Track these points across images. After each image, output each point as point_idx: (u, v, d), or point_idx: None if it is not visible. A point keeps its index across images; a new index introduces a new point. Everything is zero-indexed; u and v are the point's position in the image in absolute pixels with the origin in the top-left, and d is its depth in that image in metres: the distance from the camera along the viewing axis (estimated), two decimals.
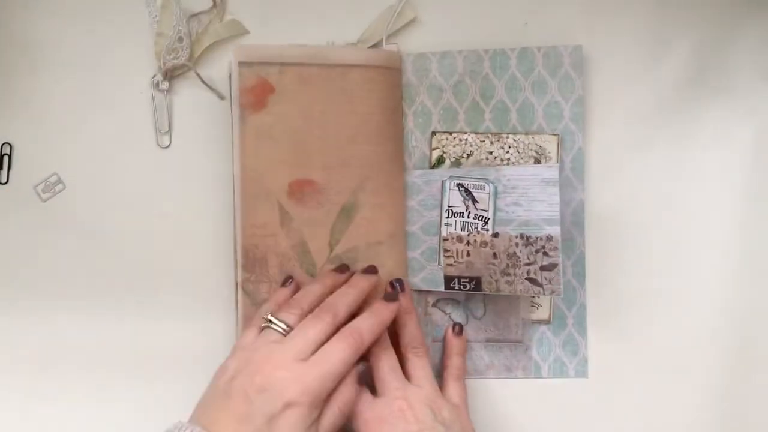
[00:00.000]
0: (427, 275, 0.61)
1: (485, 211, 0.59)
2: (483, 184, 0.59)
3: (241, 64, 0.60)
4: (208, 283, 0.63)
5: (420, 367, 0.57)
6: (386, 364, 0.55)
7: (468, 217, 0.59)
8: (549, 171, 0.58)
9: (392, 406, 0.53)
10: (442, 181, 0.60)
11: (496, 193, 0.58)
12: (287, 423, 0.48)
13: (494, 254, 0.59)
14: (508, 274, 0.59)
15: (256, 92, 0.60)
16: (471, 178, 0.59)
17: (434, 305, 0.62)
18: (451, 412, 0.55)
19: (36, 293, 0.63)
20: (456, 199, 0.60)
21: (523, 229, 0.59)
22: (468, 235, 0.60)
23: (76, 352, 0.63)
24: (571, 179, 0.60)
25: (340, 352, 0.51)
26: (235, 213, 0.60)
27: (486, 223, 0.59)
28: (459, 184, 0.59)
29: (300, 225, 0.60)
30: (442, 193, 0.60)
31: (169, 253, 0.64)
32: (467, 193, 0.59)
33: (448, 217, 0.60)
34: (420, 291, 0.62)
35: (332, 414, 0.51)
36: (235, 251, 0.60)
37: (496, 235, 0.59)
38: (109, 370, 0.63)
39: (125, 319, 0.63)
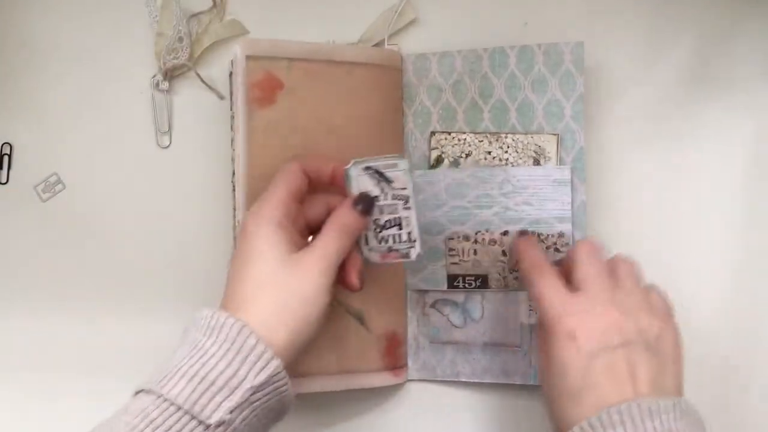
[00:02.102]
0: (428, 275, 0.61)
1: (403, 189, 0.54)
2: (395, 162, 0.54)
3: (249, 57, 0.58)
4: (208, 283, 0.63)
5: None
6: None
7: (387, 199, 0.54)
8: (560, 171, 0.59)
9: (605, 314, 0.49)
10: (345, 169, 0.54)
11: (410, 168, 0.54)
12: None
13: (503, 252, 0.59)
14: (517, 270, 0.59)
15: (264, 87, 0.58)
16: (379, 161, 0.54)
17: (432, 306, 0.62)
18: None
19: (36, 293, 0.63)
20: (367, 184, 0.54)
21: (533, 228, 0.59)
22: (476, 233, 0.60)
23: (76, 352, 0.63)
24: (573, 180, 0.60)
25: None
26: (237, 213, 0.59)
27: (407, 201, 0.55)
28: (367, 168, 0.53)
29: None
30: (348, 183, 0.54)
31: (169, 253, 0.64)
32: (379, 174, 0.54)
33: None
34: (419, 291, 0.62)
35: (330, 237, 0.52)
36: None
37: (505, 233, 0.59)
38: (108, 370, 0.63)
39: (125, 319, 0.63)
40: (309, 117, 0.59)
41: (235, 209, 0.59)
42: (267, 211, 0.51)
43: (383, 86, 0.62)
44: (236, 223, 0.58)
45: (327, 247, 0.51)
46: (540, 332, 0.52)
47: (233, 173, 0.59)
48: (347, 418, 0.64)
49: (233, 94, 0.59)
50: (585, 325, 0.48)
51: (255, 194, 0.57)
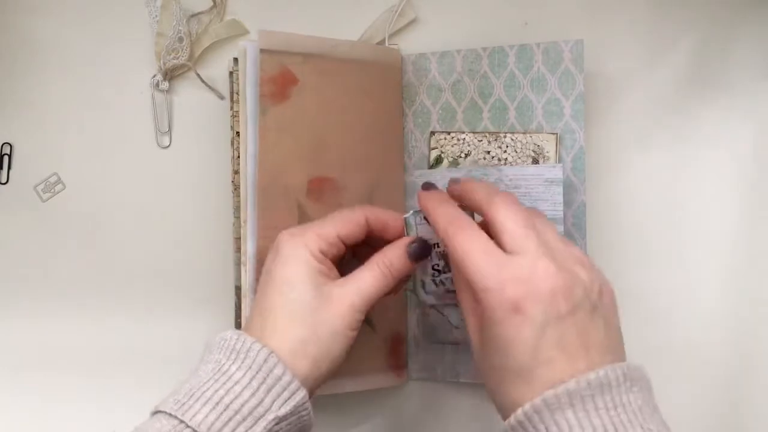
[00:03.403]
0: None
1: None
2: None
3: (264, 51, 0.57)
4: (208, 283, 0.63)
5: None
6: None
7: None
8: (552, 171, 0.58)
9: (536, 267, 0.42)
10: (404, 217, 0.52)
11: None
12: None
13: None
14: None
15: (279, 83, 0.57)
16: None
17: (432, 306, 0.62)
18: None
19: (36, 293, 0.63)
20: (427, 232, 0.52)
21: None
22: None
23: (76, 352, 0.63)
24: (573, 180, 0.60)
25: None
26: (247, 213, 0.57)
27: None
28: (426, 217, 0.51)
29: None
30: (408, 231, 0.52)
31: (169, 253, 0.64)
32: None
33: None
34: None
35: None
36: (238, 252, 0.59)
37: None
38: (108, 370, 0.63)
39: (124, 319, 0.63)
40: (322, 114, 0.59)
41: (235, 209, 0.59)
42: (307, 238, 0.49)
43: (390, 85, 0.62)
44: (242, 223, 0.58)
45: (365, 282, 0.49)
46: (467, 303, 0.47)
47: (234, 173, 0.59)
48: (347, 417, 0.64)
49: (234, 92, 0.59)
50: (530, 294, 0.42)
51: (267, 194, 0.56)
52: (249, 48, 0.57)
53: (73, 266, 0.63)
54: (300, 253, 0.49)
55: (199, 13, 0.64)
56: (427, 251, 0.51)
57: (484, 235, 0.45)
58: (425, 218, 0.51)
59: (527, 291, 0.42)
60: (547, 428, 0.40)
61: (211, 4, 0.64)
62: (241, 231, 0.58)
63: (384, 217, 0.52)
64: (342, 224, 0.51)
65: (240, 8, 0.65)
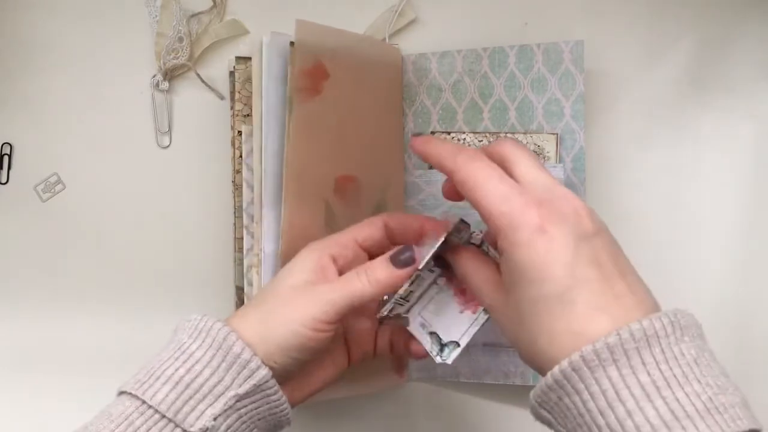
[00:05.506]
0: None
1: None
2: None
3: (299, 42, 0.54)
4: (208, 283, 0.63)
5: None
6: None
7: None
8: (553, 171, 0.59)
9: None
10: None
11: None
12: None
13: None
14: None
15: (313, 76, 0.55)
16: None
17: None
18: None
19: (36, 293, 0.63)
20: None
21: None
22: (471, 233, 0.59)
23: (76, 351, 0.63)
24: (573, 180, 0.60)
25: None
26: (262, 213, 0.55)
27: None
28: None
29: (342, 224, 0.54)
30: None
31: (169, 253, 0.64)
32: None
33: None
34: None
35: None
36: (238, 252, 0.59)
37: None
38: (108, 370, 0.62)
39: (125, 319, 0.63)
40: (347, 111, 0.57)
41: (236, 208, 0.59)
42: (319, 244, 0.50)
43: (394, 83, 0.62)
44: (255, 224, 0.57)
45: (338, 285, 0.48)
46: (484, 266, 0.47)
47: (235, 172, 0.59)
48: (347, 417, 0.64)
49: (235, 92, 0.59)
50: (554, 214, 0.40)
51: (294, 192, 0.54)
52: (272, 40, 0.55)
53: (73, 266, 0.64)
54: (304, 255, 0.49)
55: (199, 13, 0.64)
56: (408, 261, 0.48)
57: (497, 168, 0.43)
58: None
59: (550, 211, 0.40)
60: (587, 388, 0.37)
61: (211, 4, 0.64)
62: (256, 230, 0.57)
63: (404, 220, 0.52)
64: (359, 229, 0.51)
65: (240, 8, 0.65)
